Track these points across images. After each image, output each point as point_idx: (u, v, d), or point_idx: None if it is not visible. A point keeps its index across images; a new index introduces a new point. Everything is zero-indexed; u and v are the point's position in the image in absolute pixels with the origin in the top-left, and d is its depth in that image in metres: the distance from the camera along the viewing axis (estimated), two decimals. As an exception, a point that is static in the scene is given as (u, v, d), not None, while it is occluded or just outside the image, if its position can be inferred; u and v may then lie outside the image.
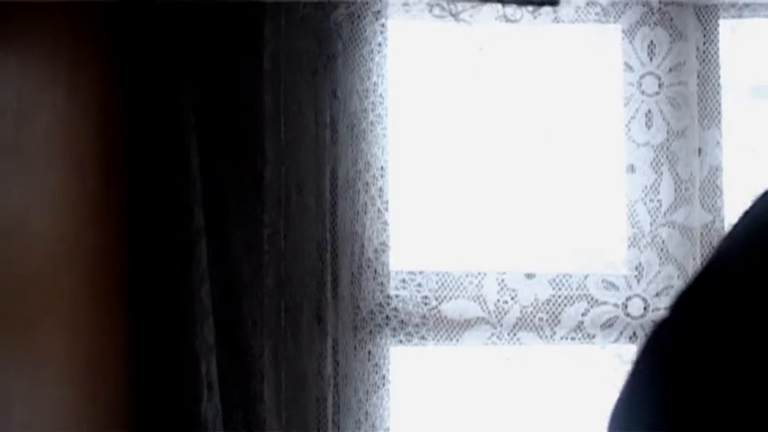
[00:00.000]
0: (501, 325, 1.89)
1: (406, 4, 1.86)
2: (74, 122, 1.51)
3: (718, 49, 1.94)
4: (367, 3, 1.86)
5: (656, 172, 1.90)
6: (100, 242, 1.64)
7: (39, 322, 1.43)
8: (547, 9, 1.89)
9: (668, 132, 1.91)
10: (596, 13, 1.92)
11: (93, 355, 1.63)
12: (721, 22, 1.95)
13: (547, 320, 1.88)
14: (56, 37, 1.43)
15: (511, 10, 1.82)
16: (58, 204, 1.49)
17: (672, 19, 1.91)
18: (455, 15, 1.82)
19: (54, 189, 1.47)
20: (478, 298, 1.90)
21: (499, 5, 1.83)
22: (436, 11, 1.86)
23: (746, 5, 1.93)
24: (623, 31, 1.95)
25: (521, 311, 1.89)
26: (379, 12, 1.87)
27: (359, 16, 1.87)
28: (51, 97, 1.42)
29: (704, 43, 1.92)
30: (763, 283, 0.49)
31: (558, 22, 1.91)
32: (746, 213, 0.55)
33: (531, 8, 1.83)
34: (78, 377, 1.58)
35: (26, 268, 1.40)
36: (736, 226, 0.55)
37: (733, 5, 1.93)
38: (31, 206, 1.41)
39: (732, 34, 1.97)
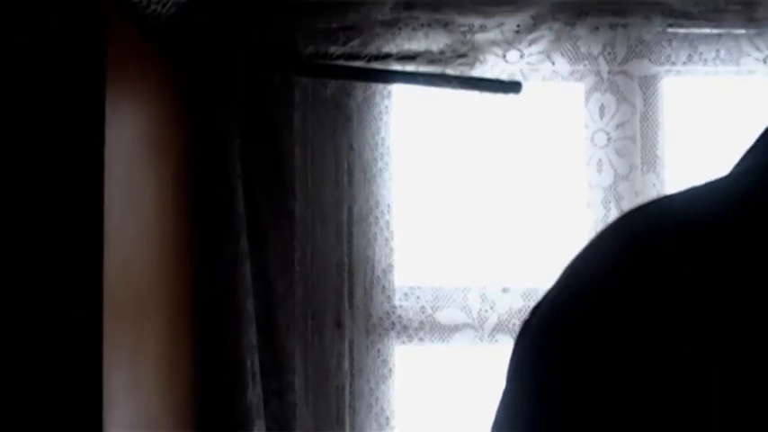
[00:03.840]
0: (483, 329, 1.96)
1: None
2: (159, 176, 1.66)
3: (656, 110, 1.99)
4: (378, 86, 1.95)
5: (606, 208, 1.96)
6: (177, 265, 1.75)
7: (139, 328, 1.56)
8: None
9: (615, 176, 1.97)
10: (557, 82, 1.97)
11: (172, 354, 1.71)
12: (662, 82, 1.99)
13: (519, 326, 2.02)
14: (146, 120, 1.62)
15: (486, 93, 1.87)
16: (154, 237, 1.62)
17: (618, 86, 1.98)
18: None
19: (148, 225, 1.61)
20: (465, 307, 1.96)
21: (476, 92, 1.90)
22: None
23: (678, 73, 2.00)
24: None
25: (498, 318, 1.96)
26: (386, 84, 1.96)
27: (371, 89, 1.97)
28: (144, 158, 1.60)
29: (645, 105, 1.99)
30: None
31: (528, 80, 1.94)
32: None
33: (500, 94, 1.88)
34: (162, 373, 1.66)
35: (135, 286, 1.53)
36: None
37: (668, 72, 1.99)
38: (139, 238, 1.55)
39: (670, 94, 2.01)
